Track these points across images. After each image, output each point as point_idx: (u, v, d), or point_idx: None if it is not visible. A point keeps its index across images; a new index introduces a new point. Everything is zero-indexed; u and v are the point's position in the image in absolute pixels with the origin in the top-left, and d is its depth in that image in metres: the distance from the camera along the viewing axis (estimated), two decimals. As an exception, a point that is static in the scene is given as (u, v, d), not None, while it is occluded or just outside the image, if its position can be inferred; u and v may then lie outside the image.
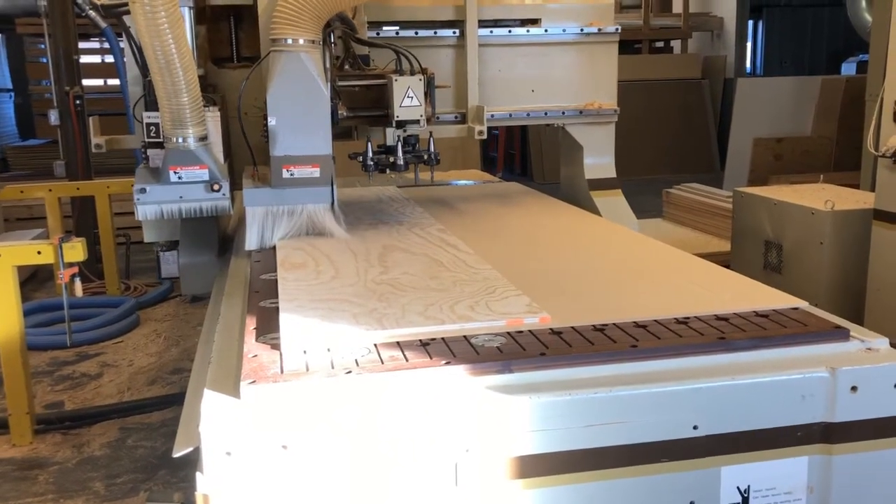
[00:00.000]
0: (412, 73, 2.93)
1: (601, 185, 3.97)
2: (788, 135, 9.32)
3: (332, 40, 2.92)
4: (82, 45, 7.62)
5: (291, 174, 2.72)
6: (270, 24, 2.67)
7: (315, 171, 2.73)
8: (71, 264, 3.63)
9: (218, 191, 2.64)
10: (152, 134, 2.77)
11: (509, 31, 3.78)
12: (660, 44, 13.61)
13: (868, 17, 8.69)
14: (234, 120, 3.08)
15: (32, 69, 10.54)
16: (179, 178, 2.62)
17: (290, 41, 2.63)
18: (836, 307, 3.86)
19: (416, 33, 3.67)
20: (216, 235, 3.18)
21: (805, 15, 17.39)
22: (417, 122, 2.94)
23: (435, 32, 3.69)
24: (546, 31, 3.81)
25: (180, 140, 2.59)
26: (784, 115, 9.54)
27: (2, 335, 3.70)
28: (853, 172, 7.51)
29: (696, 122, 12.55)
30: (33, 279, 6.69)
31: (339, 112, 2.91)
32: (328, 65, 2.83)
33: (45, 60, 8.66)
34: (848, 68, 14.67)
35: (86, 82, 6.86)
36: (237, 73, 3.69)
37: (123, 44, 3.05)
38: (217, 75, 3.73)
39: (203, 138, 2.62)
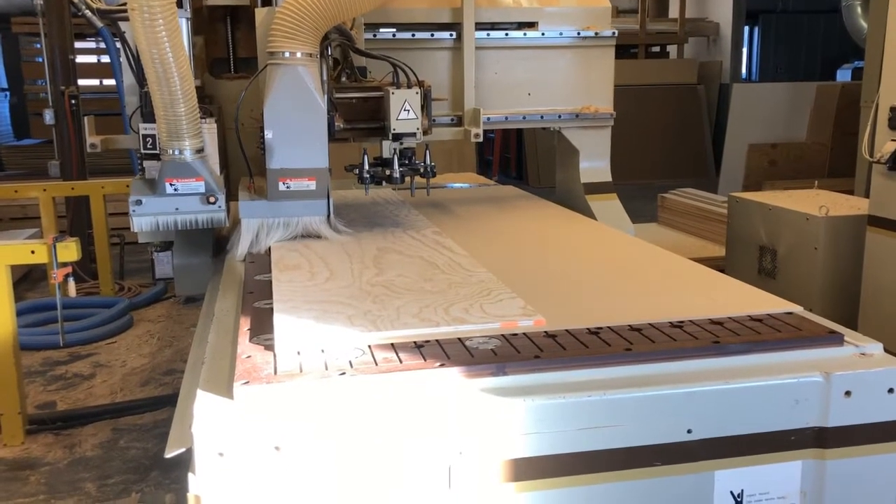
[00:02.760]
0: (409, 86, 2.92)
1: (597, 189, 3.97)
2: (783, 140, 9.35)
3: (330, 52, 2.91)
4: (78, 44, 7.62)
5: (287, 187, 2.72)
6: (268, 36, 2.67)
7: (311, 184, 2.73)
8: (65, 264, 3.61)
9: (214, 203, 2.64)
10: (149, 145, 2.76)
11: (506, 35, 3.77)
12: (656, 48, 13.64)
13: (863, 24, 8.74)
14: (231, 131, 3.06)
15: (28, 68, 10.53)
16: (175, 190, 2.61)
17: (287, 54, 2.63)
18: (830, 312, 3.86)
19: (413, 35, 3.66)
20: (211, 237, 3.17)
21: (801, 21, 17.43)
22: (414, 134, 2.92)
23: (432, 35, 3.68)
24: (543, 34, 3.80)
25: (176, 152, 2.58)
26: (779, 120, 9.58)
27: (-6, 335, 3.69)
28: (848, 178, 7.53)
29: (691, 127, 12.58)
30: (26, 279, 6.68)
31: (336, 124, 2.90)
32: (325, 77, 2.82)
33: (40, 60, 8.65)
34: (843, 74, 14.71)
35: (81, 82, 6.84)
36: (234, 83, 3.67)
37: (119, 46, 3.04)
38: (214, 86, 3.71)
39: (199, 150, 2.62)
